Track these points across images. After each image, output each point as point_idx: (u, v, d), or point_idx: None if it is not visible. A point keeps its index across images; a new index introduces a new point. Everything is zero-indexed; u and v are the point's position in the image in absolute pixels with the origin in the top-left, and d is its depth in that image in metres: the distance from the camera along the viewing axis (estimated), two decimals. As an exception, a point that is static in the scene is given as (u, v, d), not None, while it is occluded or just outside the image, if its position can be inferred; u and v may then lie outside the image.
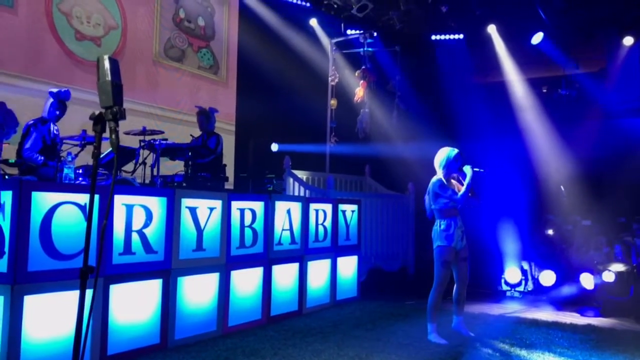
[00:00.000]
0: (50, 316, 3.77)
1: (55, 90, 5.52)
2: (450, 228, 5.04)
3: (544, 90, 11.29)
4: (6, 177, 4.90)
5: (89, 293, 1.97)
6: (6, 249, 3.64)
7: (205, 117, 6.78)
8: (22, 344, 3.59)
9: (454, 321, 5.31)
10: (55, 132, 5.57)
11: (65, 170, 4.78)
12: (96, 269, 1.87)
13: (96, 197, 3.98)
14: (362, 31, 9.94)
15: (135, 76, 7.77)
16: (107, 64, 1.97)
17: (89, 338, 3.94)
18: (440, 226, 5.07)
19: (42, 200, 3.80)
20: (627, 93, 10.30)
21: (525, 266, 7.76)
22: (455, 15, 9.77)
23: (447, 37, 10.29)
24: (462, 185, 5.14)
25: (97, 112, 1.99)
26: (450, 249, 5.03)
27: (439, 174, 5.16)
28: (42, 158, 5.31)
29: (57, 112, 5.56)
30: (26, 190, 3.71)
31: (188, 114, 8.17)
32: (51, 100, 5.49)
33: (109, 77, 1.96)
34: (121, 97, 1.98)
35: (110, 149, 5.14)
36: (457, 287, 5.25)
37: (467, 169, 5.08)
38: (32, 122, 5.43)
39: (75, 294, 3.79)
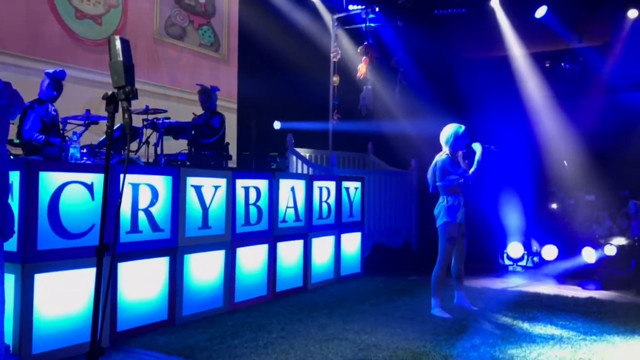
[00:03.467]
0: (60, 294, 3.83)
1: (50, 70, 5.50)
2: (456, 204, 5.07)
3: (547, 65, 11.20)
4: (11, 157, 4.92)
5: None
6: (15, 228, 3.68)
7: (207, 96, 6.75)
8: (34, 321, 3.66)
9: (456, 296, 5.39)
10: (53, 112, 5.58)
11: (71, 150, 4.81)
12: (112, 247, 1.90)
13: (103, 175, 4.01)
14: (364, 6, 9.83)
15: (136, 54, 7.62)
16: (118, 45, 1.98)
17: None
18: (446, 202, 5.09)
19: (50, 180, 3.83)
20: (631, 67, 10.22)
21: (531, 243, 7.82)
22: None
23: (450, 11, 10.17)
24: (470, 162, 5.15)
25: (109, 92, 2.00)
26: (456, 225, 5.08)
27: (446, 151, 5.17)
28: (43, 136, 5.31)
29: (55, 93, 5.55)
30: (34, 170, 3.74)
31: (190, 92, 8.15)
32: (47, 80, 5.48)
33: (120, 58, 1.97)
34: (133, 77, 1.99)
35: (117, 125, 5.17)
36: (455, 262, 5.30)
37: (477, 146, 5.09)
38: (28, 103, 5.42)
39: (85, 272, 3.87)
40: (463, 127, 5.17)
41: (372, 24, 9.85)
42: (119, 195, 2.06)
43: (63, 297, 3.85)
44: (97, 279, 1.86)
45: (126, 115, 1.95)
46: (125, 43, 2.00)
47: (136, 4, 7.78)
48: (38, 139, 5.30)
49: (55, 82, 5.51)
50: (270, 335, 4.39)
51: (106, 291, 1.90)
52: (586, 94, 10.17)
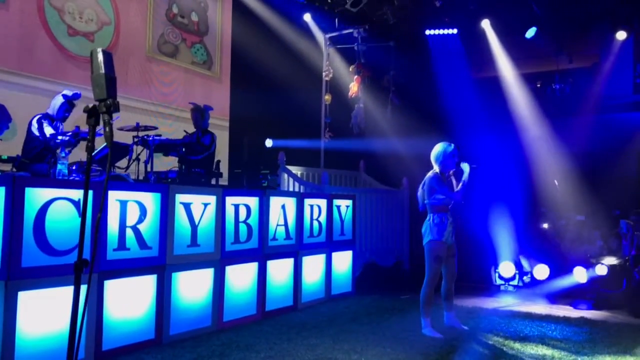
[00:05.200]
0: (44, 312, 3.76)
1: (69, 93, 5.56)
2: (442, 223, 5.05)
3: (538, 85, 11.30)
4: (-1, 173, 4.88)
5: (83, 288, 1.98)
6: None
7: (200, 114, 6.75)
8: (16, 340, 3.59)
9: (446, 317, 5.33)
10: (62, 130, 5.61)
11: (59, 166, 4.76)
12: (91, 263, 1.87)
13: (90, 192, 3.98)
14: (356, 26, 9.92)
15: (128, 72, 7.73)
16: (100, 57, 1.97)
17: (84, 333, 3.94)
18: (432, 221, 5.08)
19: (36, 196, 3.79)
20: (620, 88, 10.34)
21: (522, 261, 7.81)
22: (449, 10, 9.77)
23: (442, 32, 10.29)
24: (459, 181, 5.15)
25: (90, 105, 1.98)
26: (442, 244, 5.04)
27: (436, 169, 5.18)
28: (71, 134, 5.27)
29: (68, 114, 5.64)
30: (19, 186, 3.70)
31: (182, 110, 8.16)
32: (62, 101, 5.53)
33: (102, 70, 1.95)
34: (115, 89, 1.97)
35: (105, 144, 5.15)
36: (445, 283, 5.26)
37: (465, 166, 5.11)
38: (40, 115, 5.47)
39: (70, 289, 3.80)
40: (452, 145, 5.19)
41: (364, 44, 9.94)
42: (100, 211, 2.03)
43: (47, 315, 3.78)
44: (75, 295, 1.82)
45: (107, 129, 1.93)
46: (107, 55, 1.99)
47: (129, 22, 7.81)
48: (70, 137, 5.24)
49: (71, 105, 5.59)
50: (258, 355, 4.32)
51: (84, 308, 1.86)
52: (576, 114, 10.25)
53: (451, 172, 5.22)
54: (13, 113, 5.31)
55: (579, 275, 6.99)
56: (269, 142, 9.19)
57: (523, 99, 10.63)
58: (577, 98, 10.63)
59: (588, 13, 9.57)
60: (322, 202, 6.84)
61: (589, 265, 6.96)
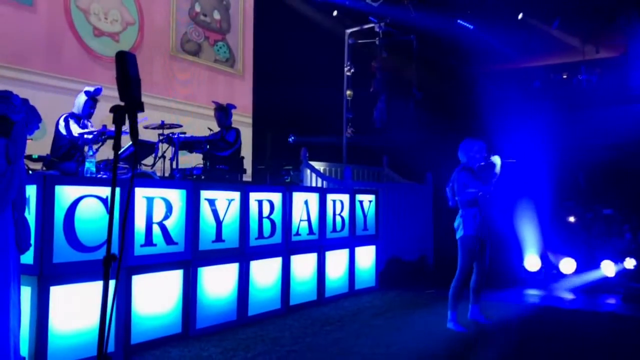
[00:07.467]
0: (75, 306, 3.87)
1: (91, 89, 5.67)
2: (475, 218, 5.02)
3: (564, 76, 11.13)
4: (30, 172, 5.01)
5: (112, 283, 2.04)
6: (32, 241, 3.73)
7: (224, 113, 6.81)
8: (49, 332, 3.70)
9: (470, 310, 5.30)
10: (91, 127, 5.74)
11: (87, 164, 4.88)
12: (119, 258, 1.92)
13: (117, 189, 4.07)
14: (377, 21, 9.90)
15: (152, 70, 7.85)
16: (125, 59, 2.03)
17: (113, 327, 4.04)
18: (465, 216, 5.06)
19: (65, 193, 3.89)
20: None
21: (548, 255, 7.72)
22: (473, 2, 9.69)
23: (465, 24, 10.20)
24: (489, 174, 5.11)
25: (116, 105, 2.04)
26: (476, 238, 5.02)
27: (464, 165, 5.16)
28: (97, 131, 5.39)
29: (93, 110, 5.74)
30: (50, 184, 3.80)
31: (205, 107, 8.24)
32: (85, 98, 5.65)
33: (127, 71, 2.01)
34: (139, 90, 2.03)
35: (130, 142, 5.25)
36: (475, 276, 5.23)
37: (496, 159, 5.07)
38: (66, 114, 5.59)
39: (99, 284, 3.90)
40: (479, 141, 5.16)
41: (386, 38, 9.92)
42: (127, 209, 2.09)
43: (78, 310, 3.88)
44: (105, 289, 1.88)
45: (133, 129, 1.99)
46: (131, 57, 2.05)
47: (153, 21, 7.93)
48: (95, 136, 5.37)
49: (94, 100, 5.70)
50: (283, 349, 4.37)
51: (112, 301, 1.92)
52: (604, 105, 10.06)
53: (481, 164, 5.18)
54: (41, 113, 5.43)
55: (607, 269, 6.88)
56: (291, 138, 9.25)
57: (550, 90, 10.48)
58: (604, 88, 10.44)
59: (614, 1, 9.39)
60: (345, 197, 6.86)
61: (617, 259, 6.85)
